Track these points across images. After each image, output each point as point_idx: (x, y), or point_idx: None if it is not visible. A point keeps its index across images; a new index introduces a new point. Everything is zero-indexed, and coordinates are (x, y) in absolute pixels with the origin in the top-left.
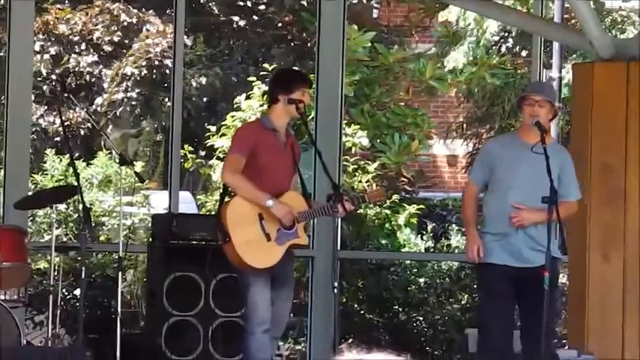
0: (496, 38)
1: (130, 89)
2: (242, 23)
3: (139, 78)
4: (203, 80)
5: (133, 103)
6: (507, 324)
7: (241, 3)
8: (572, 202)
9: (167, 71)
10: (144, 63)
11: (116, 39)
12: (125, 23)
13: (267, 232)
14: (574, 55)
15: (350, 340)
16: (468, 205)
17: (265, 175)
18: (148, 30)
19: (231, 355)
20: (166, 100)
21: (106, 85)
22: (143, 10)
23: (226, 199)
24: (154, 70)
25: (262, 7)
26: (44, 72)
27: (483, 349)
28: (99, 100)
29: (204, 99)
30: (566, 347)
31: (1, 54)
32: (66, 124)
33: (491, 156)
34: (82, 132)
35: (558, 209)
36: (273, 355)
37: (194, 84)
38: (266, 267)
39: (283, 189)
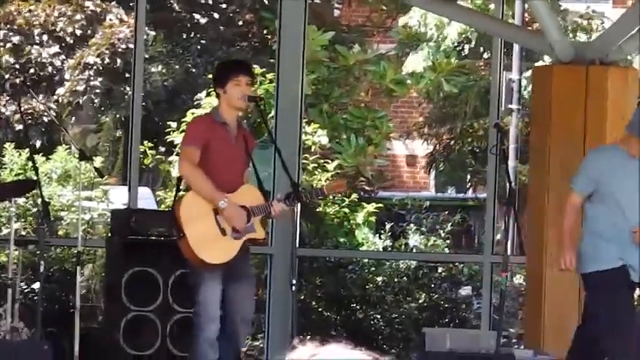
0: (456, 44)
1: (92, 78)
2: (203, 20)
3: (101, 67)
4: (163, 76)
5: (96, 91)
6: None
7: (202, 0)
8: None
9: (129, 60)
10: (106, 51)
11: (78, 31)
12: (88, 12)
13: (222, 227)
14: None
15: (307, 337)
16: (570, 216)
17: (218, 168)
18: (110, 20)
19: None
20: (127, 89)
21: (67, 76)
22: (106, 1)
23: (180, 193)
24: (117, 59)
25: (223, 5)
26: (4, 62)
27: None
28: (60, 91)
29: (165, 95)
30: (522, 347)
31: None
32: (28, 113)
33: (598, 168)
34: (44, 121)
35: (516, 211)
36: (240, 348)
37: (154, 80)
38: (221, 262)
39: (236, 182)
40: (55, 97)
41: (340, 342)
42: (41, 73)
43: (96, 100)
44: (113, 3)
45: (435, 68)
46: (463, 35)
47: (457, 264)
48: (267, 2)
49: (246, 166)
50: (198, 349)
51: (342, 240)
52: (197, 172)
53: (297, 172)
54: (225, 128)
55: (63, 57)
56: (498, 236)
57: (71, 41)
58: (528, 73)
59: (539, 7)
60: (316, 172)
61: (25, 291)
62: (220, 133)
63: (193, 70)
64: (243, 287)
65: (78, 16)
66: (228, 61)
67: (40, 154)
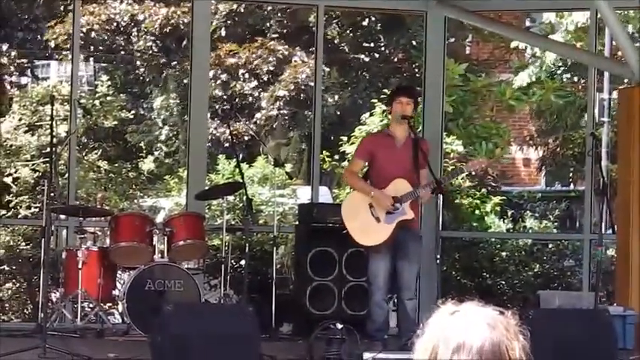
0: (557, 63)
1: (282, 105)
2: (366, 59)
3: (288, 97)
4: (337, 102)
5: (285, 115)
6: None
7: (366, 44)
8: None
9: (311, 90)
10: (292, 85)
11: (271, 69)
12: (278, 55)
13: (376, 216)
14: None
15: (448, 299)
16: None
17: (383, 168)
18: (295, 61)
19: (359, 310)
20: (309, 112)
21: (263, 104)
22: (292, 45)
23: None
24: (301, 91)
25: (382, 47)
26: (215, 95)
27: None
28: (258, 115)
29: (337, 116)
30: (614, 304)
31: (185, 82)
32: (234, 133)
33: None
34: (246, 138)
35: (608, 199)
36: (407, 308)
37: (330, 104)
38: (378, 243)
39: (401, 177)
40: (255, 120)
41: (474, 301)
42: (243, 102)
43: (285, 122)
44: (297, 48)
45: (542, 86)
46: (561, 59)
47: (563, 241)
48: (415, 44)
49: (411, 166)
50: (370, 309)
51: (474, 224)
52: (353, 176)
53: (440, 171)
54: (391, 139)
55: (260, 89)
56: (595, 219)
57: (266, 78)
58: (615, 93)
59: (624, 42)
60: None
61: (234, 266)
62: (386, 143)
63: (359, 97)
64: (407, 264)
65: (270, 59)
66: (397, 86)
67: (244, 162)
